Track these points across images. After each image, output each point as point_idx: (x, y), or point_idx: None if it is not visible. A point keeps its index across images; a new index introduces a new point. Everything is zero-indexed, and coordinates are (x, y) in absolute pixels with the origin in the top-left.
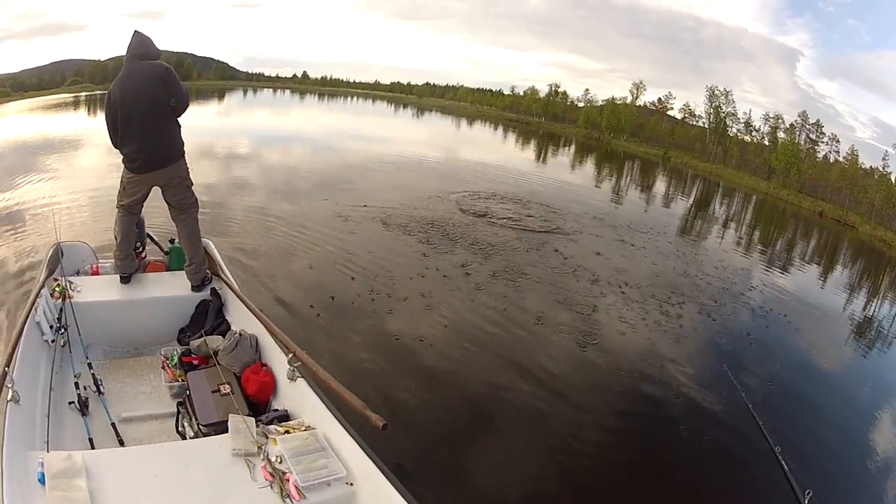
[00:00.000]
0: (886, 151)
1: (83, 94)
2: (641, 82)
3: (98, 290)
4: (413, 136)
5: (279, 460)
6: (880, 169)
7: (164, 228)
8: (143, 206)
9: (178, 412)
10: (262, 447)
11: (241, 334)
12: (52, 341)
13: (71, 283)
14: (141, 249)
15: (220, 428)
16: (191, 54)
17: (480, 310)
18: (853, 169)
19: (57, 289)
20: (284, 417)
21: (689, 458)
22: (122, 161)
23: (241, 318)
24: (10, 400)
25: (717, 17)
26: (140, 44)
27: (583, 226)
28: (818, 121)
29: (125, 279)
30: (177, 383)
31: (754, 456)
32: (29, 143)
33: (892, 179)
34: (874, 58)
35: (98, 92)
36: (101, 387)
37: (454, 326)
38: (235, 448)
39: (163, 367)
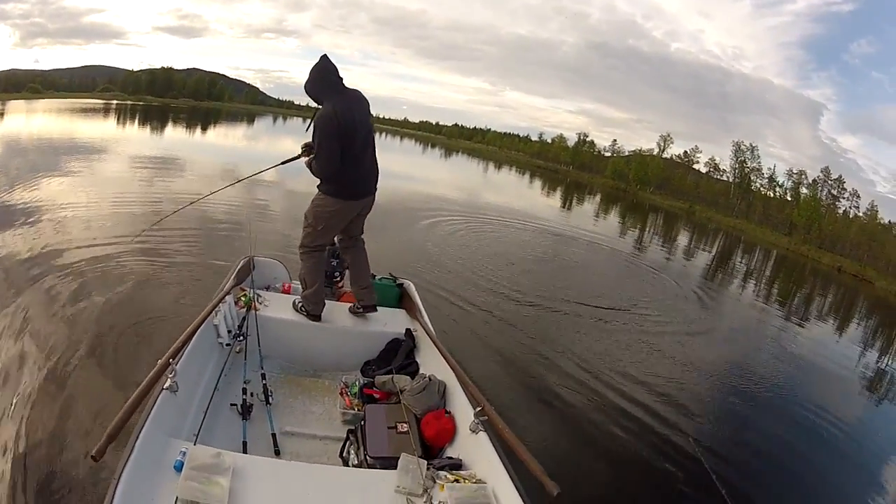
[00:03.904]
0: None
1: (114, 102)
2: (669, 135)
3: (286, 309)
4: (464, 185)
5: None
6: None
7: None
8: None
9: (347, 439)
10: (428, 490)
11: (430, 378)
12: (228, 345)
13: (259, 295)
14: (339, 279)
15: (388, 463)
16: (223, 76)
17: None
18: (872, 224)
19: (242, 298)
20: (457, 466)
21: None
22: (329, 192)
23: (432, 363)
24: (167, 388)
25: (744, 70)
26: (337, 70)
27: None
28: (840, 176)
29: (315, 318)
30: (352, 411)
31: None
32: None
33: None
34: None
35: (129, 102)
36: (270, 397)
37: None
38: (400, 486)
39: (341, 394)
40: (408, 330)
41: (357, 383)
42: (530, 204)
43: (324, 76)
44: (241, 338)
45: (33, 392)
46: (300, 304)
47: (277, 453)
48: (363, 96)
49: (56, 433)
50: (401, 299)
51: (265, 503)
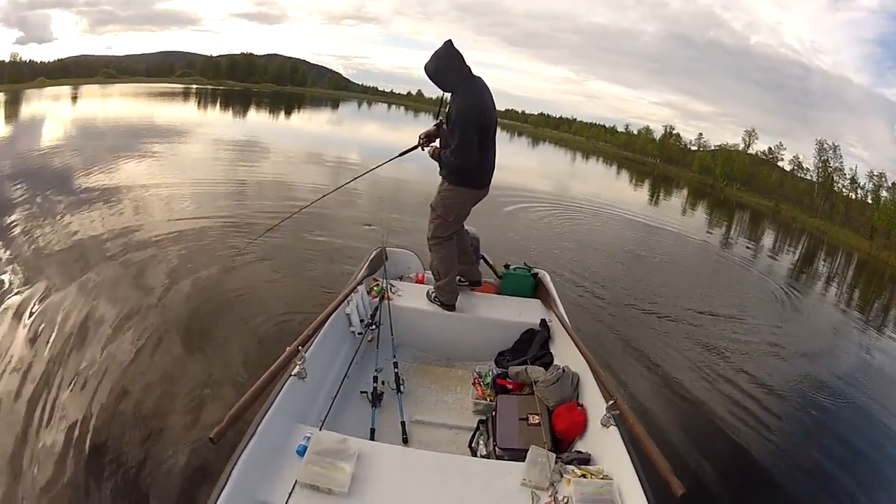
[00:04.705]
0: None
1: (194, 86)
2: (754, 130)
3: (420, 298)
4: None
5: (566, 501)
6: None
7: (498, 252)
8: None
9: (477, 429)
10: (554, 484)
11: (564, 370)
12: (360, 334)
13: (392, 286)
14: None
15: (516, 455)
16: (304, 61)
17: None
18: None
19: (375, 288)
20: (585, 461)
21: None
22: (459, 181)
23: (566, 354)
24: (295, 375)
25: (823, 66)
26: (463, 56)
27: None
28: None
29: (449, 308)
30: (484, 401)
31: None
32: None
33: None
34: None
35: (209, 86)
36: (401, 386)
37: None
38: (527, 479)
39: (473, 384)
40: (543, 320)
41: (490, 373)
42: (620, 195)
43: (454, 64)
44: (374, 327)
45: (157, 374)
46: (434, 295)
47: (406, 441)
48: (487, 85)
49: (181, 415)
50: (536, 289)
51: (389, 489)
